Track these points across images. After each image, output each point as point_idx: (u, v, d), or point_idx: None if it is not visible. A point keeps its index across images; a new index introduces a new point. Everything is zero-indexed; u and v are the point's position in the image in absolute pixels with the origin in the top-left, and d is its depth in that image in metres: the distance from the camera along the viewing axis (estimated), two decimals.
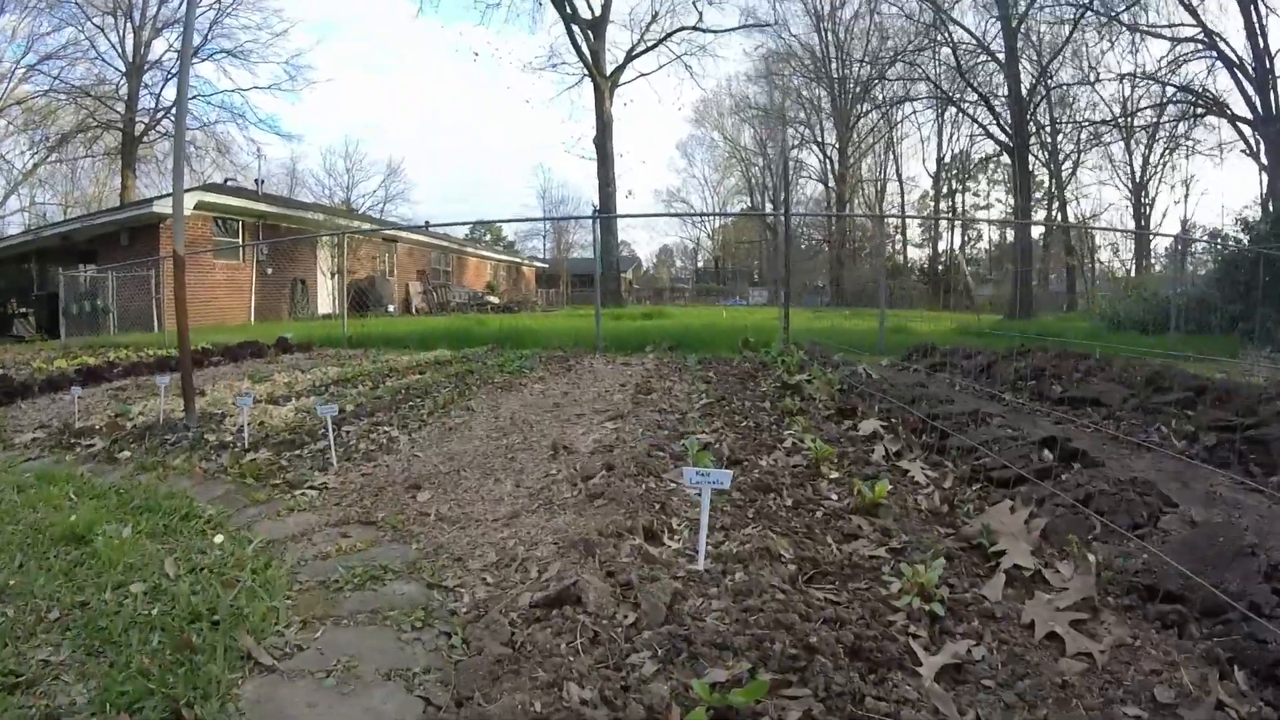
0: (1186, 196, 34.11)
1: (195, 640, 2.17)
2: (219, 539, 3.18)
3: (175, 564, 2.83)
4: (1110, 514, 3.15)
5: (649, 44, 36.39)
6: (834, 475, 3.93)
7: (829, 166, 47.96)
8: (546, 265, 50.01)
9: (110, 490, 3.93)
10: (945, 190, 45.87)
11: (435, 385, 7.36)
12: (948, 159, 44.74)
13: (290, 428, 5.34)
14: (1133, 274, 28.43)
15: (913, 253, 48.72)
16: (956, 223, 45.47)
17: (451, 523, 3.38)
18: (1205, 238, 15.97)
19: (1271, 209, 16.80)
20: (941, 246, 47.34)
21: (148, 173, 34.92)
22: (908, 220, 50.24)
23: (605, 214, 27.88)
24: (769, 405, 5.93)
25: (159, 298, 18.09)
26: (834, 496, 3.58)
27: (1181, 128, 28.77)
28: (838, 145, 46.34)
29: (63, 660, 2.12)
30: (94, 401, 7.15)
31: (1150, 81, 26.53)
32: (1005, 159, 32.76)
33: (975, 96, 29.80)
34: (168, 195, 22.06)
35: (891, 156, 48.57)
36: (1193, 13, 23.50)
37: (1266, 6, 21.73)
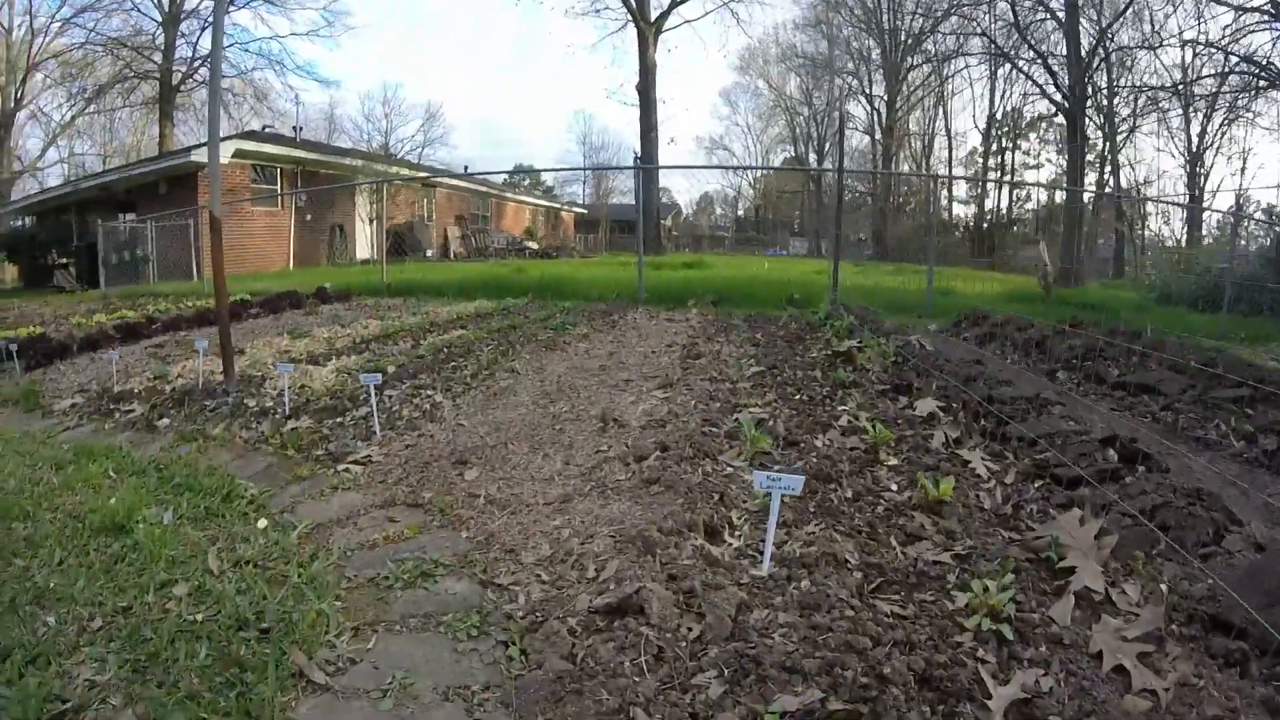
0: (1244, 169, 32.85)
1: (244, 654, 2.12)
2: (262, 524, 3.15)
3: (219, 557, 2.79)
4: (1175, 529, 3.01)
5: None
6: (892, 462, 3.83)
7: (876, 118, 46.76)
8: (585, 211, 49.60)
9: (150, 466, 3.92)
10: (994, 148, 44.57)
11: (478, 342, 7.33)
12: (999, 116, 43.41)
13: (331, 391, 5.32)
14: (1183, 244, 27.58)
15: (958, 209, 47.65)
16: (1005, 183, 44.19)
17: (501, 506, 3.33)
18: (1260, 214, 15.36)
19: None
20: (989, 205, 46.23)
21: (186, 120, 34.81)
22: (952, 178, 48.99)
23: (647, 162, 27.55)
24: (820, 375, 5.81)
25: (198, 246, 18.22)
26: (894, 487, 3.49)
27: (1242, 99, 27.60)
28: (886, 97, 45.09)
29: (109, 679, 2.06)
30: (133, 361, 7.18)
31: (1213, 50, 25.40)
32: (1059, 120, 31.75)
33: (1031, 54, 28.78)
34: (204, 145, 22.08)
35: (941, 111, 47.20)
36: None
37: None
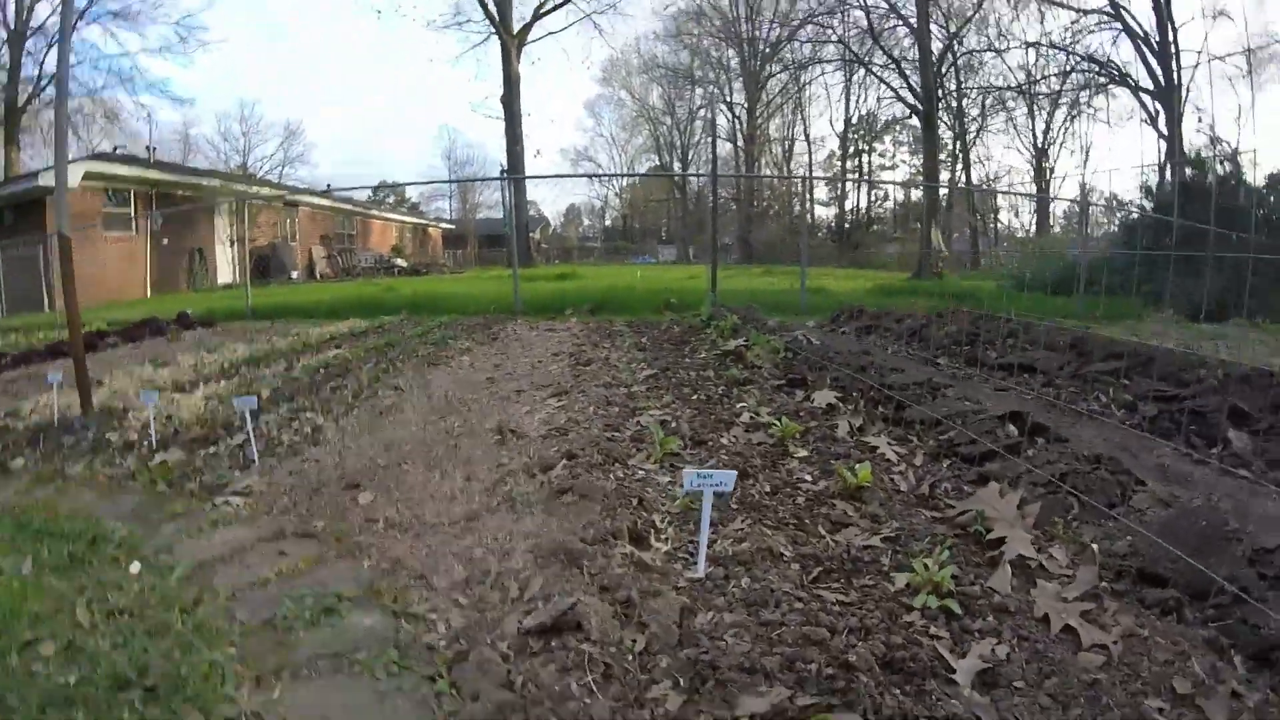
0: (1086, 161, 35.53)
1: (128, 719, 1.82)
2: (136, 568, 2.78)
3: (88, 609, 2.42)
4: (1086, 493, 3.11)
5: (557, 1, 35.45)
6: (802, 453, 3.80)
7: (738, 126, 48.05)
8: (453, 226, 48.78)
9: (3, 513, 3.43)
10: (852, 150, 46.52)
11: (356, 361, 6.97)
12: (855, 120, 45.32)
13: (201, 420, 4.88)
14: (1033, 234, 29.53)
15: (820, 211, 49.35)
16: (867, 181, 46.18)
17: (403, 530, 3.07)
18: (1104, 203, 16.54)
19: (1170, 175, 17.50)
20: (849, 205, 48.13)
21: (32, 143, 32.12)
22: (815, 180, 50.78)
23: (514, 174, 27.20)
24: (713, 374, 5.79)
25: (48, 276, 16.85)
26: (809, 477, 3.45)
27: (1084, 95, 29.88)
28: (746, 105, 46.41)
29: None
30: None
31: (1056, 50, 27.41)
32: (913, 121, 33.46)
33: (885, 59, 30.28)
34: (53, 168, 20.42)
35: (799, 117, 48.90)
36: None
37: None
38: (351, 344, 8.42)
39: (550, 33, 41.25)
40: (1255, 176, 13.21)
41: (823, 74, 41.97)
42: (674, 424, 4.23)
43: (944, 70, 29.78)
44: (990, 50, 30.67)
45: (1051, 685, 1.93)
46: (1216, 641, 2.16)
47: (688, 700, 1.75)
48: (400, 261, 33.42)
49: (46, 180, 18.33)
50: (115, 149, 28.44)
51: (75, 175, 18.40)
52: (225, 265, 25.09)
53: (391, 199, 45.96)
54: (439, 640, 2.20)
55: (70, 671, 2.04)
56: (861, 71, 36.70)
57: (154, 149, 29.37)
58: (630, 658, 1.93)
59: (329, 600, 2.46)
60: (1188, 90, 24.55)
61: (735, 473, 2.50)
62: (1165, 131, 24.60)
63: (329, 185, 38.62)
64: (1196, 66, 23.94)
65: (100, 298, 18.62)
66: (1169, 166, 20.03)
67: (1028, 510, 2.85)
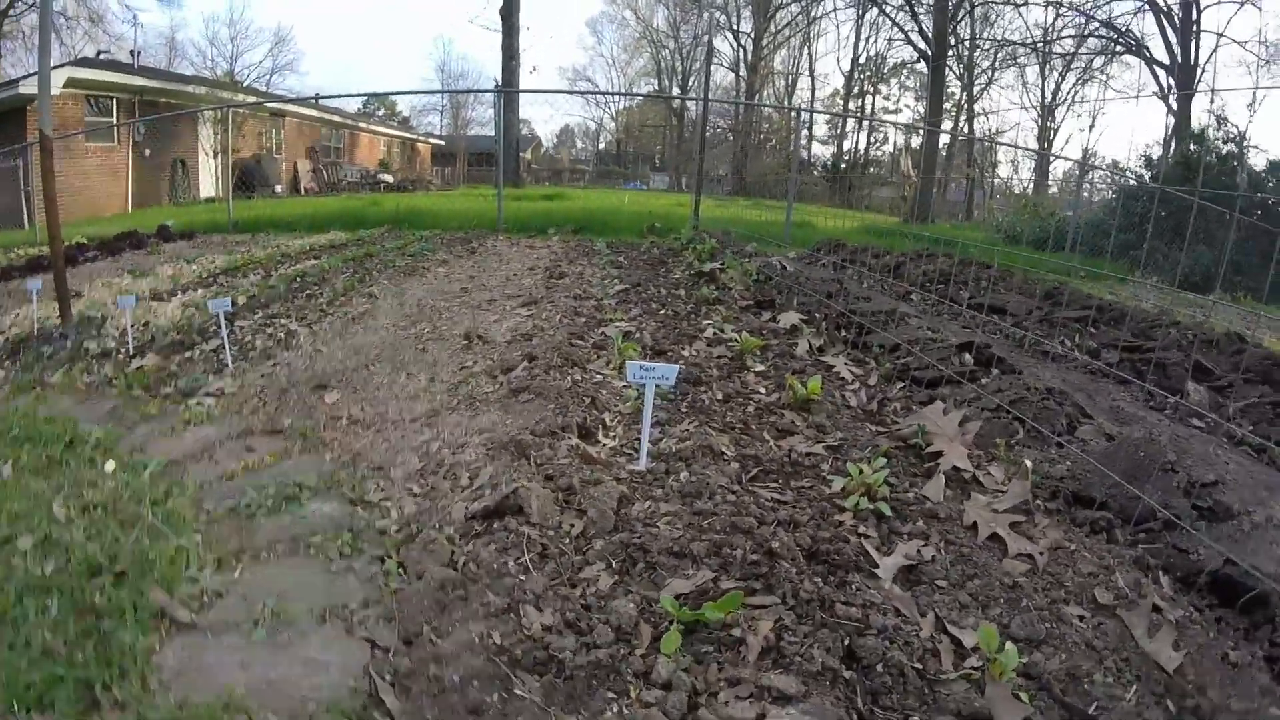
0: (1091, 127, 35.13)
1: (99, 601, 1.90)
2: (110, 467, 2.85)
3: (65, 505, 2.49)
4: (1032, 420, 3.20)
5: None
6: (759, 368, 3.87)
7: (742, 55, 47.06)
8: (443, 143, 47.82)
9: None
10: (856, 91, 45.71)
11: (333, 271, 6.97)
12: (863, 60, 44.43)
13: (178, 327, 4.91)
14: (1030, 192, 29.40)
15: (817, 149, 48.74)
16: (866, 119, 45.57)
17: (366, 426, 3.16)
18: (1106, 168, 16.53)
19: (1175, 149, 17.38)
20: (847, 145, 47.54)
21: (13, 50, 30.76)
22: (815, 117, 50.05)
23: (508, 89, 26.65)
24: (684, 293, 5.84)
25: (28, 190, 16.35)
26: (763, 390, 3.53)
27: (1098, 61, 29.38)
28: (753, 35, 45.37)
29: None
30: None
31: (1075, 12, 26.84)
32: (921, 67, 32.84)
33: (899, 1, 29.56)
34: (33, 75, 19.76)
35: (806, 52, 47.88)
36: None
37: None
38: (330, 255, 8.37)
39: None
40: (1258, 160, 13.24)
41: (834, 10, 41.04)
42: (638, 334, 4.29)
43: (959, 17, 29.11)
44: (1009, 3, 29.97)
45: (974, 586, 2.02)
46: (1143, 561, 2.26)
47: (618, 580, 1.85)
48: (387, 177, 32.87)
49: (27, 88, 17.56)
50: (99, 54, 27.43)
51: (57, 82, 17.66)
52: (209, 178, 24.56)
53: (381, 112, 45.02)
54: (391, 525, 2.30)
55: (46, 563, 2.11)
56: (874, 11, 35.86)
57: (139, 53, 28.47)
58: (567, 541, 2.02)
59: (290, 490, 2.56)
60: (1203, 70, 24.30)
61: (677, 367, 2.56)
62: (1175, 107, 24.34)
63: (317, 94, 37.65)
64: (1216, 49, 23.67)
65: (81, 212, 18.19)
66: (1173, 141, 19.92)
67: (968, 428, 2.94)
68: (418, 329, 4.74)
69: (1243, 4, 21.78)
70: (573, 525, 2.09)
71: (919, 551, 2.14)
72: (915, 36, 30.10)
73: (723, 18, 47.80)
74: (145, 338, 4.70)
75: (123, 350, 4.46)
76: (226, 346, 4.23)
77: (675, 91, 52.73)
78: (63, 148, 17.11)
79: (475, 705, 1.46)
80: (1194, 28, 23.48)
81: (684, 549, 1.92)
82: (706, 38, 45.99)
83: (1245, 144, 14.62)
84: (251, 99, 26.97)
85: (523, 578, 1.84)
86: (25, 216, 16.57)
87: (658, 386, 2.58)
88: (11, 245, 12.10)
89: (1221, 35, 22.87)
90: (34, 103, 17.41)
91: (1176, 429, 3.64)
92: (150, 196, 22.27)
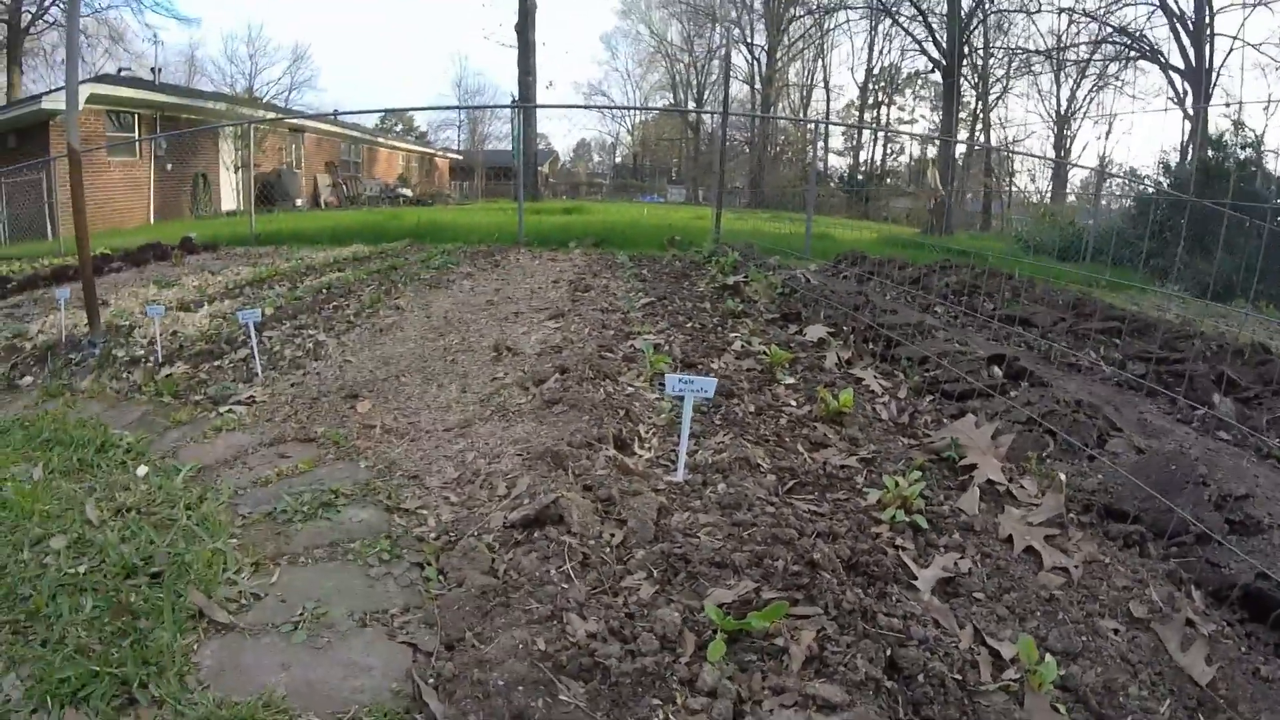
0: (1108, 134, 35.01)
1: (134, 601, 1.92)
2: (142, 471, 2.88)
3: (98, 507, 2.51)
4: (1064, 433, 3.20)
5: None
6: (789, 381, 3.88)
7: (756, 68, 47.21)
8: (461, 157, 48.15)
9: (14, 424, 3.50)
10: (871, 102, 45.75)
11: (358, 283, 7.00)
12: (877, 71, 44.48)
13: (206, 336, 4.95)
14: (1048, 201, 29.28)
15: (834, 160, 48.74)
16: (882, 129, 45.56)
17: (399, 435, 3.19)
18: (1123, 175, 16.46)
19: (1192, 155, 17.30)
20: (864, 156, 47.57)
21: (35, 67, 31.43)
22: (831, 128, 50.10)
23: (526, 104, 26.84)
24: (710, 306, 5.84)
25: (52, 202, 16.59)
26: (794, 402, 3.53)
27: (1113, 67, 29.33)
28: (767, 48, 45.53)
29: None
30: None
31: (1088, 19, 26.84)
32: (935, 76, 32.89)
33: (913, 11, 29.66)
34: (57, 90, 19.94)
35: (820, 64, 47.98)
36: None
37: None
38: (354, 267, 8.42)
39: None
40: (1277, 165, 13.15)
41: (847, 21, 41.07)
42: (667, 347, 4.29)
43: (972, 26, 29.13)
44: (1021, 11, 29.97)
45: (1010, 599, 2.03)
46: (1176, 575, 2.26)
47: (660, 589, 1.85)
48: (406, 191, 33.11)
49: (50, 103, 17.92)
50: (120, 71, 27.85)
51: (80, 98, 18.08)
52: (229, 192, 24.81)
53: (400, 127, 45.41)
54: (429, 532, 2.32)
55: (80, 563, 2.13)
56: (887, 22, 35.92)
57: (159, 71, 28.88)
58: (608, 550, 2.03)
59: (326, 496, 2.58)
60: (1218, 74, 24.21)
61: (715, 380, 2.58)
62: (1191, 112, 24.25)
63: (335, 110, 38.03)
64: (1230, 52, 23.58)
65: (104, 225, 18.40)
66: (1190, 146, 19.84)
67: (1001, 441, 2.94)
68: (446, 340, 4.77)
69: (1255, 6, 21.67)
70: (613, 535, 2.10)
71: (956, 564, 2.14)
72: (929, 46, 30.14)
73: (737, 31, 48.04)
74: (174, 346, 4.74)
75: (151, 358, 4.50)
76: (256, 356, 4.27)
77: (690, 105, 52.96)
78: (86, 161, 17.05)
79: (520, 710, 1.46)
80: (1208, 31, 23.39)
81: (725, 559, 1.92)
82: (724, 51, 46.26)
83: (1262, 148, 14.54)
84: (271, 115, 27.25)
85: (565, 586, 1.85)
86: (49, 228, 16.81)
87: (696, 400, 2.59)
88: (37, 255, 12.30)
89: (1236, 39, 22.74)
90: (57, 117, 17.87)
91: (1205, 442, 3.63)
92: (172, 210, 22.53)
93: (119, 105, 20.84)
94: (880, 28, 40.92)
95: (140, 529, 2.34)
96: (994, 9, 29.98)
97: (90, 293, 5.06)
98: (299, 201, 26.35)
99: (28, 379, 4.43)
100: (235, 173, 24.47)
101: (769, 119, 44.42)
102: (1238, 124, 15.25)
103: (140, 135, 21.56)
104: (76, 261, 5.33)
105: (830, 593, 1.81)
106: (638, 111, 61.18)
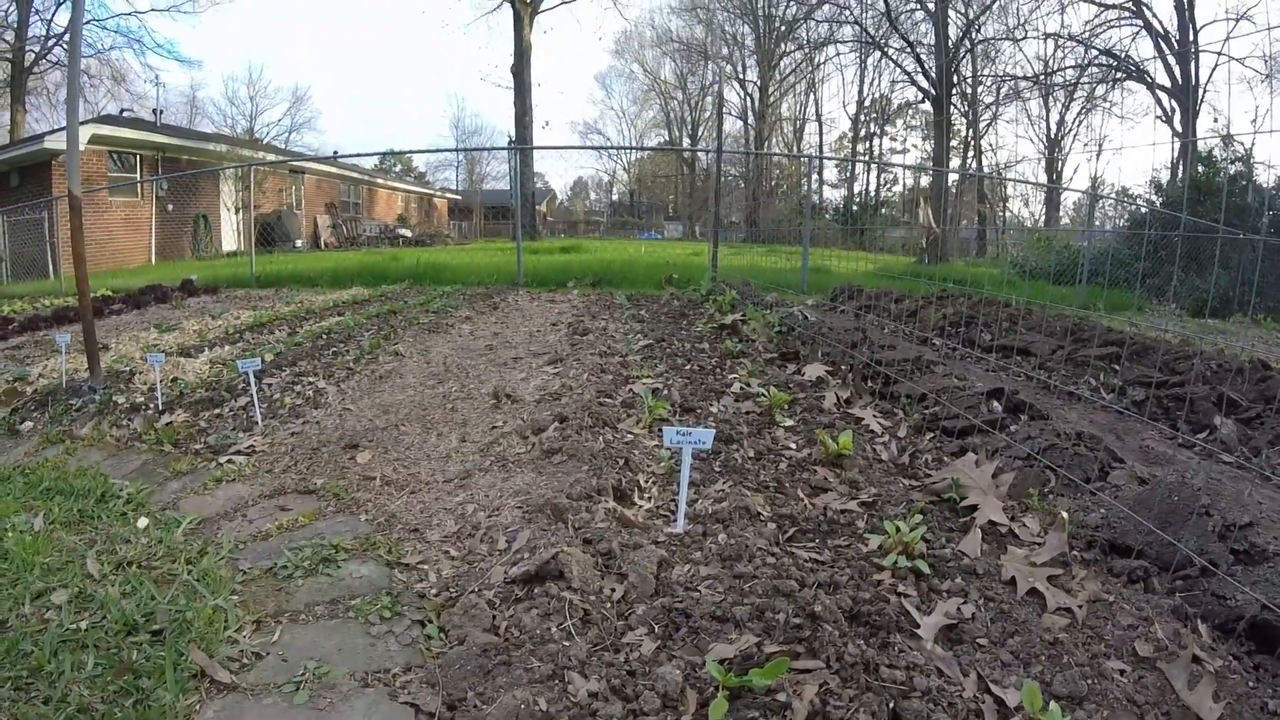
0: (1098, 155, 35.34)
1: (136, 659, 1.92)
2: (143, 523, 2.89)
3: (98, 561, 2.52)
4: (1064, 468, 3.20)
5: None
6: (789, 423, 3.89)
7: (749, 104, 47.87)
8: (459, 197, 48.58)
9: (14, 472, 3.52)
10: (863, 133, 46.31)
11: (358, 328, 7.04)
12: (868, 103, 45.05)
13: (206, 383, 4.96)
14: (1041, 224, 29.47)
15: (828, 192, 49.13)
16: (875, 163, 46.05)
17: (399, 487, 3.19)
18: (1114, 195, 16.56)
19: (1182, 173, 17.46)
20: (858, 188, 47.97)
21: (38, 106, 31.89)
22: (824, 160, 50.60)
23: (523, 145, 27.12)
24: (708, 346, 5.87)
25: (53, 241, 16.69)
26: (793, 445, 3.54)
27: (1100, 89, 29.77)
28: (759, 83, 46.17)
29: None
30: None
31: (1074, 43, 27.29)
32: (926, 106, 33.37)
33: (901, 43, 30.19)
34: (60, 130, 20.24)
35: (812, 97, 48.64)
36: None
37: None
38: (354, 311, 8.47)
39: (564, 2, 40.95)
40: (1268, 177, 13.26)
41: (838, 55, 41.78)
42: (665, 391, 4.31)
43: (960, 56, 29.63)
44: (1008, 39, 30.49)
45: (1014, 644, 2.01)
46: (1182, 610, 2.24)
47: (661, 646, 1.85)
48: (405, 231, 33.37)
49: (53, 143, 18.20)
50: (122, 111, 28.19)
51: (82, 139, 18.19)
52: (230, 232, 25.01)
53: (398, 168, 45.82)
54: (430, 588, 2.31)
55: (81, 618, 2.13)
56: (876, 54, 36.54)
57: (161, 112, 29.19)
58: (609, 605, 2.03)
59: (327, 551, 2.57)
60: (1204, 90, 24.55)
61: (713, 431, 2.58)
62: (1180, 129, 24.53)
63: (335, 152, 38.42)
64: (1215, 67, 23.96)
65: (105, 264, 18.61)
66: (1181, 164, 20.01)
67: (1002, 480, 2.94)
68: (445, 387, 4.78)
69: (1238, 20, 22.00)
70: (613, 590, 2.10)
71: (959, 609, 2.13)
72: (919, 77, 30.62)
73: (729, 68, 48.72)
74: (174, 393, 4.73)
75: (152, 405, 4.50)
76: (256, 404, 4.28)
77: (685, 141, 53.67)
78: (88, 201, 17.41)
79: None
80: (1192, 49, 23.74)
81: (726, 613, 1.92)
82: (716, 88, 46.85)
83: (1252, 161, 14.63)
84: (272, 157, 27.56)
85: (566, 643, 1.85)
86: (50, 267, 16.92)
87: (694, 451, 2.59)
88: (38, 294, 12.38)
89: (1220, 54, 23.06)
90: (59, 157, 18.04)
91: (1207, 467, 3.62)
92: (173, 250, 22.70)
93: (121, 146, 21.14)
94: (870, 60, 41.67)
95: (141, 584, 2.34)
96: (981, 38, 30.54)
97: (91, 338, 5.08)
98: (299, 242, 26.55)
99: (28, 424, 4.43)
100: (236, 214, 24.70)
101: (764, 156, 44.86)
102: (1226, 139, 15.37)
103: (142, 176, 21.85)
104: (78, 303, 5.35)
105: (832, 645, 1.80)
106: (637, 150, 61.84)
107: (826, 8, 34.84)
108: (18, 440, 4.21)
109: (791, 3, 40.40)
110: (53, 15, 29.63)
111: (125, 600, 2.22)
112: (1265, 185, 13.38)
